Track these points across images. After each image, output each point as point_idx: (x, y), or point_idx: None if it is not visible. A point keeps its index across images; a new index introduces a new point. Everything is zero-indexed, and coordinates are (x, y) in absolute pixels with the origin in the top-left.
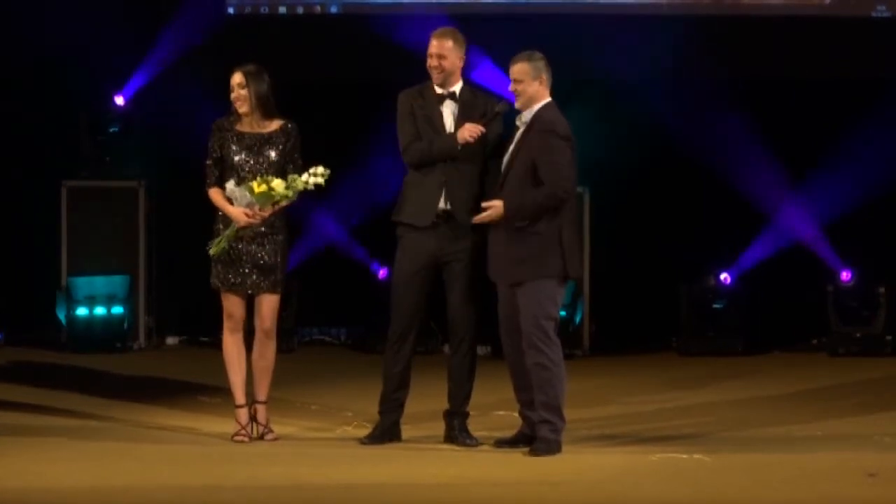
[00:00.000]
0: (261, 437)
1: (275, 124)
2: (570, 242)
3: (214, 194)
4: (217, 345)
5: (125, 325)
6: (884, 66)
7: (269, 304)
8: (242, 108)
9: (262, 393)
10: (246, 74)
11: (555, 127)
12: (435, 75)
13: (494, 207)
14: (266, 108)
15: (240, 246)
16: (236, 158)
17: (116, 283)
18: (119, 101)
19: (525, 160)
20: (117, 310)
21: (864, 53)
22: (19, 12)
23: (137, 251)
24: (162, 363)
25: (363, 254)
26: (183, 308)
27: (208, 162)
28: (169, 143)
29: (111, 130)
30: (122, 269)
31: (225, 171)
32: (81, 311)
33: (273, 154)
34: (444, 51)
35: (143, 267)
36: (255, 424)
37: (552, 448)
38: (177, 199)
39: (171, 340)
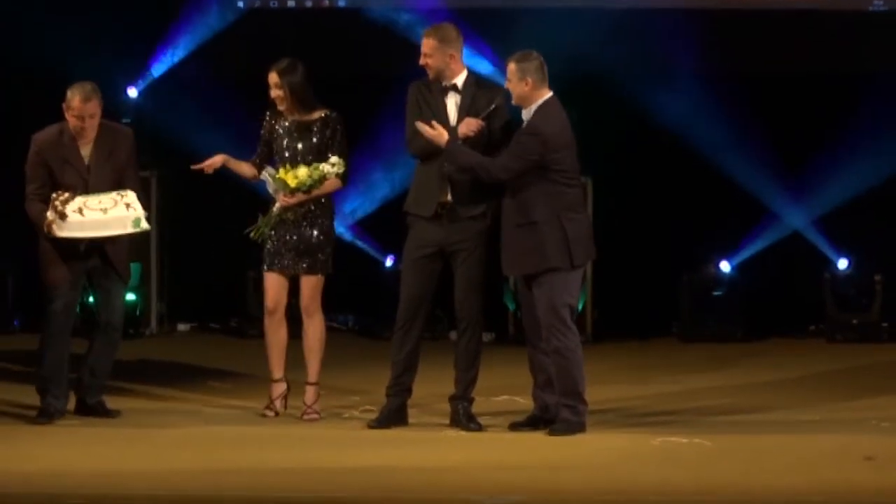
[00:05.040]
0: (301, 417)
1: (316, 113)
2: (574, 231)
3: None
4: (227, 331)
5: (137, 312)
6: (880, 59)
7: (308, 285)
8: (282, 105)
9: (308, 374)
10: (280, 73)
11: (538, 130)
12: (428, 71)
13: (440, 134)
14: (304, 99)
15: (283, 228)
16: (281, 143)
17: None
18: (132, 92)
19: None
20: (129, 296)
21: (860, 47)
22: (32, 5)
23: (149, 239)
24: (173, 349)
25: (371, 242)
26: (194, 295)
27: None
28: (180, 134)
29: (124, 121)
30: (134, 256)
31: (272, 154)
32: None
33: (314, 140)
34: (429, 49)
35: (155, 254)
36: (288, 400)
37: (573, 428)
38: (188, 189)
39: (182, 327)
